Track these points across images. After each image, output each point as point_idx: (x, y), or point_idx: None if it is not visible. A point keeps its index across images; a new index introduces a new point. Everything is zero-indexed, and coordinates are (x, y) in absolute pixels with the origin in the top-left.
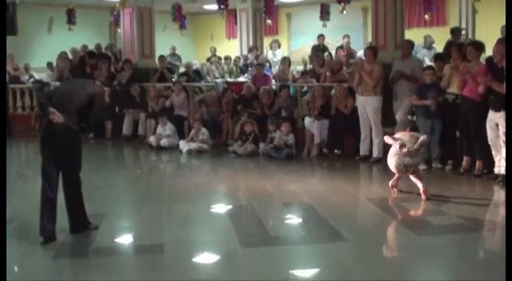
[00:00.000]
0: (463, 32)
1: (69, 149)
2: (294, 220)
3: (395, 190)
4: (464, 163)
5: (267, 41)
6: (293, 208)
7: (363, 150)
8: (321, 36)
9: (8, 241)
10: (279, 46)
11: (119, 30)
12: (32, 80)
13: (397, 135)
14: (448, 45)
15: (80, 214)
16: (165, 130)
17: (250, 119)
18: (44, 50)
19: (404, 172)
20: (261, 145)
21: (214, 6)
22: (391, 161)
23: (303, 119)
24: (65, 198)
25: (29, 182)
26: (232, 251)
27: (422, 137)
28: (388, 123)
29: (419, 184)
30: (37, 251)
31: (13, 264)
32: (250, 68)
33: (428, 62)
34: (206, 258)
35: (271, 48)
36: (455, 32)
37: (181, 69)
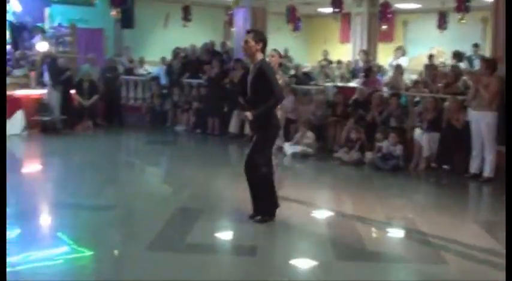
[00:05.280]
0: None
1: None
2: (394, 236)
3: None
4: None
5: (381, 47)
6: (395, 223)
7: (473, 168)
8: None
9: (106, 227)
10: (403, 54)
11: (233, 29)
12: (145, 73)
13: None
14: None
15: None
16: None
17: (357, 126)
18: (158, 44)
19: None
20: (368, 154)
21: (329, 9)
22: None
23: (413, 130)
24: None
25: (135, 171)
26: (326, 262)
27: None
28: (504, 141)
29: None
30: (131, 240)
31: (109, 249)
32: (361, 74)
33: None
34: (298, 265)
35: (395, 55)
36: None
37: (292, 72)
